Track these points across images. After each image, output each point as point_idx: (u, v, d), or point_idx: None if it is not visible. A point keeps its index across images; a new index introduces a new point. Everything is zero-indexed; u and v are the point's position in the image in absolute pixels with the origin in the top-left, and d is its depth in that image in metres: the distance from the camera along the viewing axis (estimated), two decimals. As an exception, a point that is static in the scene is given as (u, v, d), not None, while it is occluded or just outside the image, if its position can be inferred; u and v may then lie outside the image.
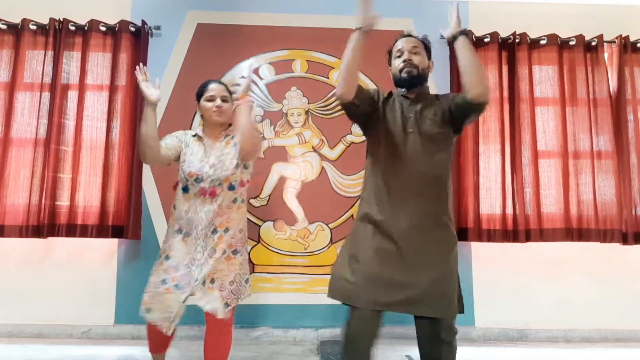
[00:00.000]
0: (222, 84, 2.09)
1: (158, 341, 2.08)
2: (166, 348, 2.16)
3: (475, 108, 1.75)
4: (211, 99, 2.00)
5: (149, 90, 1.95)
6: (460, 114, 1.78)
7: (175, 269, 1.92)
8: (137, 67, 2.00)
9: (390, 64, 1.91)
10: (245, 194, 2.08)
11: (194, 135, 2.06)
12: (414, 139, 1.75)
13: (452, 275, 1.76)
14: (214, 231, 1.95)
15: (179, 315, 1.94)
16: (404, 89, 1.86)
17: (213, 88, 2.03)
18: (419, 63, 1.82)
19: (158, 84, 2.00)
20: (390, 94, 1.90)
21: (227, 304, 1.95)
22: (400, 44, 1.87)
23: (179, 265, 1.92)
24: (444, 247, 1.74)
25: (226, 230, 1.97)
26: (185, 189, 1.96)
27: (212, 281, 1.93)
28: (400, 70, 1.82)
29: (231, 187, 1.98)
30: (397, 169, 1.74)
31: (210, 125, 2.04)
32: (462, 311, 1.78)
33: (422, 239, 1.70)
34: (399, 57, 1.84)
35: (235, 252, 2.00)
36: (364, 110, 1.81)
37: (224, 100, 2.03)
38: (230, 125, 2.10)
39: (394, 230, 1.70)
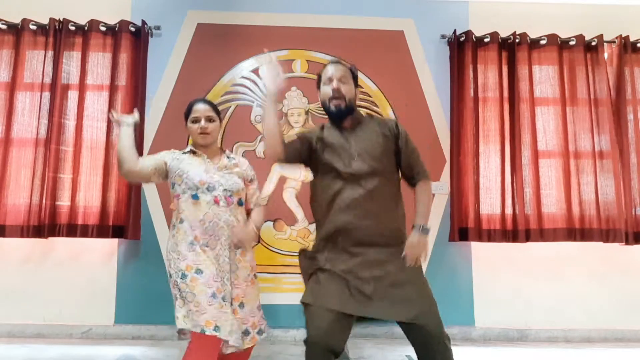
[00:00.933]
0: (208, 102, 2.04)
1: None
2: None
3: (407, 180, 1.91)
4: (196, 120, 1.96)
5: (124, 118, 1.97)
6: (402, 164, 1.89)
7: (213, 280, 1.79)
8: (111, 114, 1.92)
9: (319, 88, 1.95)
10: None
11: (186, 152, 2.00)
12: (350, 159, 1.80)
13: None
14: (237, 245, 1.90)
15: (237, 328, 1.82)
16: (336, 120, 1.91)
17: (197, 109, 1.97)
18: (346, 93, 1.85)
19: (136, 116, 2.01)
20: (322, 126, 1.96)
21: (261, 331, 1.93)
22: (330, 70, 1.88)
23: (214, 276, 1.80)
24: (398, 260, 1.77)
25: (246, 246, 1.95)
26: (196, 196, 1.87)
27: (242, 305, 1.88)
28: (329, 100, 1.87)
29: (240, 203, 1.96)
30: (347, 193, 1.78)
31: (200, 147, 1.99)
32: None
33: (378, 255, 1.75)
34: (328, 84, 1.87)
35: (255, 276, 1.99)
36: (302, 158, 1.89)
37: (209, 120, 1.97)
38: (223, 148, 2.08)
39: (350, 245, 1.76)
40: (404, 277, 1.75)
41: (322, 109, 1.97)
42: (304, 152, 1.88)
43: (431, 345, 1.74)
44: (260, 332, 1.92)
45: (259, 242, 3.33)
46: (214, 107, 2.04)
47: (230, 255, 1.87)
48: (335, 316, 1.67)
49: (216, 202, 1.87)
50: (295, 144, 1.88)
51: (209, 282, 1.78)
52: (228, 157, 2.03)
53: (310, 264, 1.82)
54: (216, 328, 1.71)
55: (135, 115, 2.02)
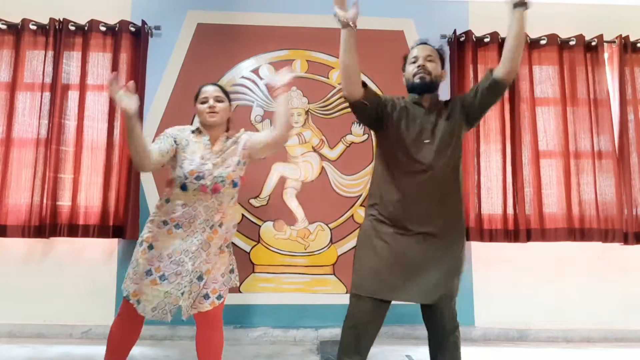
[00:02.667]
0: (217, 85, 2.09)
1: (123, 338, 2.02)
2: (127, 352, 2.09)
3: (501, 88, 1.86)
4: (204, 101, 2.00)
5: (125, 101, 1.78)
6: (484, 101, 1.87)
7: (159, 259, 1.91)
8: (111, 77, 1.82)
9: (404, 70, 1.98)
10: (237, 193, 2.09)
11: (194, 131, 2.03)
12: (430, 148, 1.84)
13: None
14: (212, 226, 1.96)
15: (166, 308, 1.91)
16: (416, 95, 1.92)
17: (206, 90, 2.03)
18: (432, 70, 1.89)
19: (132, 88, 1.83)
20: (401, 100, 1.96)
21: (220, 296, 1.99)
22: (416, 51, 1.94)
23: (162, 256, 1.91)
24: (451, 242, 1.87)
25: (220, 225, 1.99)
26: (184, 187, 1.94)
27: (207, 274, 1.96)
28: (414, 75, 1.89)
29: (235, 185, 2.01)
30: (413, 176, 1.83)
31: (207, 127, 2.03)
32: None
33: (435, 241, 1.83)
34: (414, 62, 1.91)
35: (228, 246, 2.05)
36: (372, 111, 1.87)
37: (218, 100, 2.02)
38: (228, 128, 2.09)
39: (408, 231, 1.83)
40: (452, 264, 1.85)
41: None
42: (380, 106, 1.87)
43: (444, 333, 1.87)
44: (219, 297, 1.98)
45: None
46: (223, 89, 2.09)
47: (204, 237, 1.93)
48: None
49: (202, 190, 1.93)
50: (379, 96, 1.90)
51: (152, 259, 1.90)
52: (227, 138, 2.04)
53: (370, 230, 1.89)
54: (137, 301, 1.89)
55: (134, 96, 1.88)
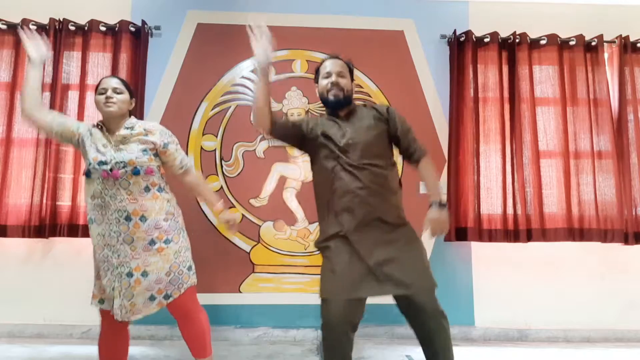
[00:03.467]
0: (119, 78, 2.11)
1: (111, 341, 2.04)
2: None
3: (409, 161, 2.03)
4: (102, 92, 2.02)
5: (33, 47, 1.99)
6: (398, 144, 2.02)
7: (95, 257, 1.99)
8: (20, 28, 1.98)
9: (316, 82, 2.05)
10: (162, 184, 2.05)
11: (95, 126, 2.05)
12: (355, 147, 1.90)
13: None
14: (127, 218, 1.92)
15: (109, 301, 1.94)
16: (330, 110, 2.03)
17: (105, 81, 2.05)
18: (344, 85, 1.97)
19: (45, 41, 2.03)
20: (317, 118, 2.07)
21: (167, 295, 1.96)
22: (329, 66, 2.00)
23: (95, 253, 1.99)
24: (397, 237, 1.89)
25: (142, 218, 1.93)
26: (88, 174, 1.96)
27: (145, 274, 1.92)
28: (328, 92, 1.97)
29: (135, 171, 1.94)
30: (343, 180, 1.88)
31: (105, 117, 2.03)
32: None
33: (373, 233, 1.87)
34: (327, 78, 1.98)
35: (167, 241, 1.97)
36: (290, 139, 2.02)
37: (116, 92, 2.02)
38: (129, 116, 2.09)
39: (350, 235, 1.86)
40: (406, 255, 1.86)
41: (322, 108, 2.03)
42: (292, 132, 1.99)
43: (425, 320, 1.84)
44: (166, 297, 1.96)
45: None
46: (125, 83, 2.10)
47: (121, 229, 1.92)
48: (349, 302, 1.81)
49: (104, 176, 1.93)
50: (285, 123, 2.00)
51: (96, 260, 1.97)
52: (127, 127, 2.03)
53: (323, 251, 1.95)
54: (100, 300, 1.96)
55: (43, 49, 2.05)
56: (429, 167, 1.99)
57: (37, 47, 2.01)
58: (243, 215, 3.35)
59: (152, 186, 1.99)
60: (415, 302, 1.83)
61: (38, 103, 1.99)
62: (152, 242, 1.94)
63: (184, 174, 2.11)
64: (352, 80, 2.04)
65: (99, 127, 2.03)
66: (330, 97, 1.96)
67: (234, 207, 3.35)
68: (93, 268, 2.01)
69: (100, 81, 2.06)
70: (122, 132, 2.00)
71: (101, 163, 1.92)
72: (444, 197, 1.90)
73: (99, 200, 1.93)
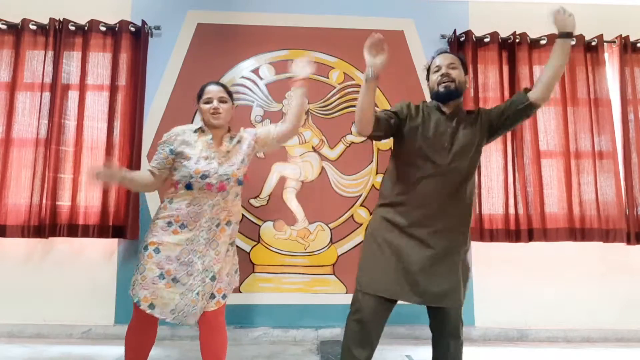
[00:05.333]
0: (221, 84, 2.10)
1: (144, 334, 2.04)
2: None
3: (534, 110, 1.91)
4: (208, 101, 2.01)
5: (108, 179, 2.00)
6: (515, 119, 1.93)
7: (168, 262, 1.91)
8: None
9: (428, 79, 2.02)
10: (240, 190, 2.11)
11: (196, 131, 2.03)
12: (446, 154, 1.87)
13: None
14: (218, 224, 1.97)
15: (183, 310, 1.91)
16: (439, 103, 1.97)
17: (210, 90, 2.04)
18: (456, 77, 1.92)
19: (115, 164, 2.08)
20: (421, 105, 2.00)
21: (225, 295, 2.00)
22: (439, 60, 1.97)
23: (170, 258, 1.91)
24: (457, 248, 1.93)
25: (228, 223, 2.00)
26: (189, 186, 1.94)
27: (214, 276, 1.96)
28: (439, 84, 1.92)
29: (240, 182, 2.02)
30: (427, 179, 1.87)
31: (210, 127, 2.04)
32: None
33: (445, 241, 1.88)
34: (437, 71, 1.94)
35: (232, 244, 2.07)
36: (387, 134, 1.95)
37: (221, 101, 2.03)
38: (230, 129, 2.11)
39: (419, 233, 1.86)
40: (458, 270, 1.89)
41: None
42: (390, 129, 1.93)
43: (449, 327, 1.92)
44: (224, 297, 2.00)
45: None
46: (227, 89, 2.10)
47: (210, 235, 1.95)
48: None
49: (208, 188, 1.93)
50: (385, 122, 1.91)
51: (161, 263, 1.90)
52: (231, 138, 2.06)
53: (375, 234, 1.92)
54: (150, 305, 1.88)
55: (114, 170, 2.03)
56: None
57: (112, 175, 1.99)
58: (243, 215, 3.35)
59: (239, 192, 2.06)
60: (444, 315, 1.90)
61: (146, 182, 2.05)
62: (227, 248, 2.01)
63: (282, 132, 2.12)
64: (466, 73, 1.98)
65: (202, 133, 2.02)
66: (441, 88, 1.90)
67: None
68: (147, 270, 1.91)
69: (204, 89, 2.05)
70: (226, 144, 2.02)
71: (204, 176, 1.93)
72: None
73: (195, 207, 1.94)
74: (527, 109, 1.90)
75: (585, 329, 3.29)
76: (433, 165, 1.87)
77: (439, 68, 1.94)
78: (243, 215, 3.34)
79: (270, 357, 2.82)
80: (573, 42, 3.36)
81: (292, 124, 2.10)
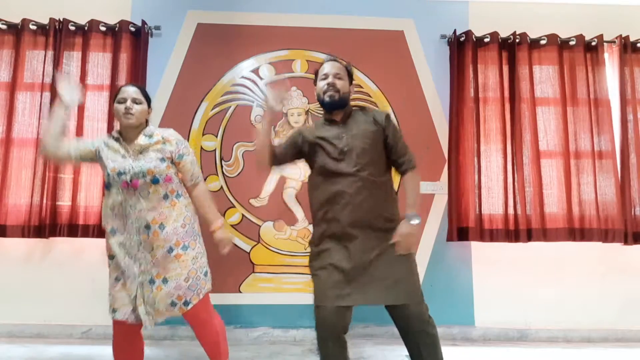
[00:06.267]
0: (138, 86, 2.11)
1: (127, 349, 2.05)
2: None
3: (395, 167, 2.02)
4: (122, 101, 2.01)
5: (69, 95, 1.99)
6: (389, 152, 2.00)
7: (117, 267, 1.98)
8: (58, 71, 1.98)
9: (315, 84, 2.08)
10: (180, 190, 2.07)
11: (111, 136, 2.07)
12: (351, 155, 1.90)
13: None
14: (147, 226, 1.95)
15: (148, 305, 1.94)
16: (326, 114, 2.05)
17: (125, 90, 2.04)
18: (341, 87, 1.98)
19: (80, 89, 2.04)
20: (312, 126, 2.09)
21: (187, 302, 1.96)
22: (327, 67, 2.02)
23: (118, 263, 1.97)
24: (383, 242, 1.88)
25: (161, 226, 1.95)
26: (108, 186, 1.98)
27: (165, 281, 1.94)
28: (324, 93, 1.98)
29: (155, 180, 1.96)
30: (340, 184, 1.88)
31: (123, 127, 2.04)
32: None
33: (363, 238, 1.85)
34: (324, 79, 2.00)
35: (184, 247, 1.99)
36: (291, 160, 2.07)
37: (135, 102, 2.02)
38: (147, 124, 2.10)
39: (341, 235, 1.87)
40: (394, 262, 1.85)
41: (321, 109, 2.05)
42: (292, 153, 2.05)
43: (411, 326, 1.86)
44: (185, 304, 1.96)
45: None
46: (144, 91, 2.10)
47: (141, 238, 1.95)
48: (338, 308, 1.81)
49: (123, 186, 1.95)
50: (283, 151, 2.04)
51: (117, 268, 1.97)
52: (146, 136, 2.04)
53: (314, 258, 1.93)
54: (113, 310, 1.95)
55: (75, 96, 2.03)
56: (413, 180, 1.97)
57: (70, 91, 2.01)
58: (243, 215, 3.35)
59: (170, 193, 2.02)
60: (401, 311, 1.85)
61: (59, 142, 2.00)
62: (171, 250, 1.96)
63: (193, 187, 2.11)
64: (351, 83, 2.05)
65: (115, 137, 2.04)
66: (326, 98, 1.97)
67: (233, 207, 3.35)
68: (108, 278, 2.00)
69: (120, 89, 2.05)
70: (141, 141, 2.01)
71: (120, 173, 1.94)
72: (418, 213, 1.90)
73: (118, 210, 1.95)
74: (396, 169, 2.01)
75: (585, 329, 3.29)
76: (342, 172, 1.88)
77: (326, 76, 1.99)
78: (243, 215, 3.34)
79: (270, 357, 2.82)
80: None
81: (200, 206, 2.12)
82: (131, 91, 2.04)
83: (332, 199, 1.88)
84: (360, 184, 1.87)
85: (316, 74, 2.07)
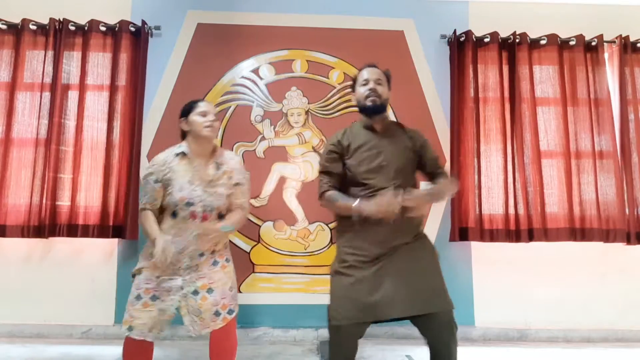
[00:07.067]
0: (212, 104, 2.16)
1: None
2: None
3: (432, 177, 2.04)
4: (204, 114, 2.04)
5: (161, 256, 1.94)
6: (422, 168, 2.04)
7: (146, 282, 1.94)
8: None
9: (353, 90, 2.07)
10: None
11: (178, 154, 2.03)
12: (388, 170, 1.91)
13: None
14: (202, 255, 1.99)
15: (163, 325, 1.95)
16: (367, 119, 2.02)
17: (204, 104, 2.08)
18: (382, 93, 1.99)
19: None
20: (348, 132, 2.04)
21: (231, 310, 2.00)
22: (366, 74, 2.02)
23: (149, 278, 1.94)
24: (419, 253, 1.93)
25: (213, 252, 2.03)
26: (174, 214, 1.97)
27: (210, 291, 1.96)
28: (366, 98, 1.98)
29: (221, 216, 2.04)
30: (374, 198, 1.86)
31: (199, 140, 2.04)
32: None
33: (399, 253, 1.87)
34: (365, 85, 2.00)
35: (227, 260, 2.08)
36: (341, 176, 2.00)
37: (215, 119, 2.08)
38: (215, 149, 2.11)
39: (371, 254, 1.86)
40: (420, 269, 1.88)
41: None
42: (339, 165, 1.98)
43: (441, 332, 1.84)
44: (230, 312, 2.00)
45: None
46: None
47: (192, 263, 1.97)
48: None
49: (192, 217, 1.96)
50: (333, 171, 1.97)
51: (140, 284, 1.94)
52: (217, 164, 2.05)
53: (337, 271, 1.92)
54: (129, 328, 1.90)
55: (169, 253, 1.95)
56: (446, 180, 2.02)
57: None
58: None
59: (222, 215, 2.06)
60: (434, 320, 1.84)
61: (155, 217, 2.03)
62: (216, 262, 2.01)
63: (235, 208, 2.09)
64: (389, 89, 2.06)
65: (182, 156, 2.01)
66: (368, 103, 1.96)
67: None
68: (130, 295, 1.95)
69: (197, 104, 2.07)
70: (211, 172, 2.02)
71: (189, 204, 1.95)
72: (433, 191, 1.96)
73: (181, 239, 1.96)
74: (433, 175, 2.02)
75: (585, 329, 3.29)
76: (375, 186, 1.88)
77: (366, 82, 1.99)
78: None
79: (270, 357, 2.82)
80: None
81: (234, 224, 2.07)
82: (210, 107, 2.08)
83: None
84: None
85: (354, 80, 2.07)
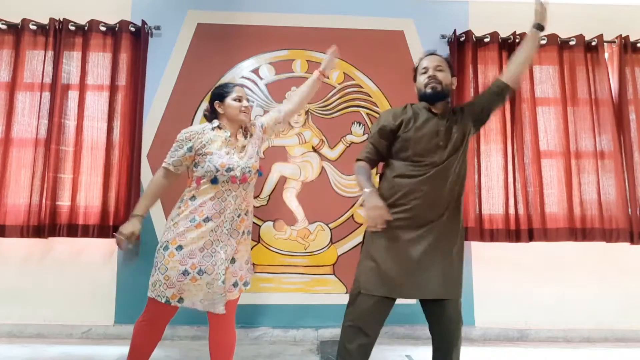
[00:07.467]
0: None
1: (162, 328, 2.05)
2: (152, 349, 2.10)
3: (507, 93, 2.04)
4: (238, 99, 2.12)
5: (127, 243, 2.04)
6: (491, 104, 2.04)
7: (191, 256, 1.95)
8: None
9: (415, 80, 2.08)
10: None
11: (214, 128, 2.11)
12: (443, 151, 1.92)
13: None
14: (239, 215, 2.04)
15: (217, 297, 1.95)
16: (426, 104, 2.02)
17: (240, 89, 2.17)
18: (442, 79, 1.98)
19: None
20: (409, 108, 2.05)
21: (246, 282, 2.07)
22: (426, 62, 2.03)
23: (193, 252, 1.95)
24: (452, 240, 1.95)
25: (247, 212, 2.08)
26: (215, 180, 2.01)
27: (233, 260, 2.01)
28: (425, 85, 1.98)
29: (260, 173, 2.13)
30: (425, 177, 1.90)
31: (233, 123, 2.12)
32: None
33: (440, 235, 1.90)
34: (424, 73, 2.00)
35: (248, 232, 2.12)
36: (384, 158, 2.07)
37: (249, 101, 2.19)
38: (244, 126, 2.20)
39: (416, 230, 1.90)
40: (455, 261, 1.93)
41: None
42: (384, 153, 2.04)
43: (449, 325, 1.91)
44: (246, 284, 2.08)
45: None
46: None
47: (233, 226, 2.01)
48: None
49: (232, 181, 2.01)
50: (380, 149, 2.03)
51: (184, 259, 1.93)
52: (244, 132, 2.15)
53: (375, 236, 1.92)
54: (180, 300, 1.94)
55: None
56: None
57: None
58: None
59: (253, 182, 2.14)
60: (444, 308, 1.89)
61: (166, 185, 2.10)
62: (244, 232, 2.07)
63: (287, 111, 2.32)
64: (453, 75, 2.05)
65: (217, 129, 2.10)
66: (428, 90, 1.96)
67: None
68: (169, 270, 1.92)
69: (235, 87, 2.15)
70: (242, 139, 2.12)
71: (229, 169, 2.00)
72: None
73: (219, 200, 2.00)
74: (501, 91, 2.01)
75: (585, 329, 3.29)
76: (429, 165, 1.90)
77: (426, 70, 2.00)
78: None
79: (270, 357, 2.82)
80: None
81: (296, 104, 2.35)
82: (245, 92, 2.19)
83: (413, 191, 1.89)
84: (443, 182, 1.90)
85: (415, 70, 2.08)
